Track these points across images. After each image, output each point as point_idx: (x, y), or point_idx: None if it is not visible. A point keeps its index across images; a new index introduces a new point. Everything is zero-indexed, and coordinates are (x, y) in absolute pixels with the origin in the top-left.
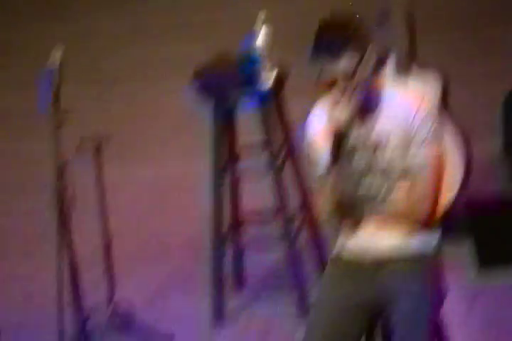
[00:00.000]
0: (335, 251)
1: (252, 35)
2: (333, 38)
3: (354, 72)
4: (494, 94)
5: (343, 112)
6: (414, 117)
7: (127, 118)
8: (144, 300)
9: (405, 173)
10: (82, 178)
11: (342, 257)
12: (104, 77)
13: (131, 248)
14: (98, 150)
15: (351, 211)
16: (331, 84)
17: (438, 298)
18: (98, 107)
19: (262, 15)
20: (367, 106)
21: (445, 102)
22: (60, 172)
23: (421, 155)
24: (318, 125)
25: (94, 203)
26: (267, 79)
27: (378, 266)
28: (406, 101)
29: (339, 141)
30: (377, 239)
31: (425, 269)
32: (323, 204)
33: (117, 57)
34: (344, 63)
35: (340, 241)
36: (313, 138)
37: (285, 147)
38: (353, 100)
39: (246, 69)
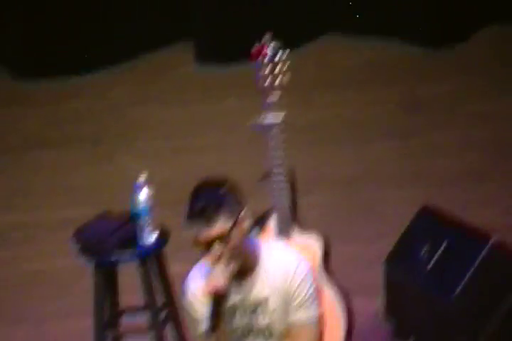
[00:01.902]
0: None
1: (135, 194)
2: (206, 202)
3: (228, 236)
4: (378, 252)
5: (219, 276)
6: (293, 278)
7: (7, 280)
8: None
9: (286, 334)
10: None
11: None
12: None
13: None
14: None
15: None
16: (208, 246)
17: None
18: None
19: (143, 177)
20: (244, 269)
21: (326, 261)
22: None
23: (301, 318)
24: (197, 284)
25: None
26: (149, 237)
27: None
28: (285, 262)
29: (218, 302)
30: None
31: None
32: None
33: None
34: (218, 227)
35: None
36: (193, 297)
37: (167, 305)
38: (229, 264)
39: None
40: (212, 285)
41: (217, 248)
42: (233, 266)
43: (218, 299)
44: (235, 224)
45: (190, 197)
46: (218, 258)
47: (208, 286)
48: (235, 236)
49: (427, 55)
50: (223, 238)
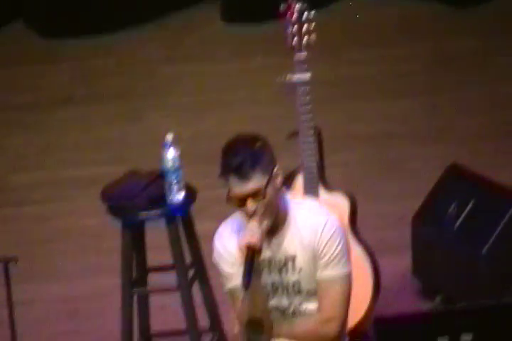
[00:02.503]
0: None
1: (163, 152)
2: (242, 158)
3: (263, 193)
4: (406, 210)
5: (254, 231)
6: (321, 235)
7: (36, 237)
8: None
9: (313, 293)
10: None
11: None
12: (13, 198)
13: None
14: (6, 268)
15: (262, 325)
16: (242, 203)
17: None
18: (6, 227)
19: (170, 136)
20: (275, 226)
21: (354, 219)
22: None
23: (329, 275)
24: (227, 240)
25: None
26: (177, 196)
27: None
28: (314, 219)
29: (253, 257)
30: None
31: None
32: (237, 317)
33: (27, 177)
34: (253, 184)
35: None
36: (222, 253)
37: (195, 264)
38: (263, 220)
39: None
40: (247, 240)
41: (251, 204)
42: (267, 223)
43: (253, 254)
44: (269, 180)
45: (224, 152)
46: (253, 215)
47: (242, 242)
48: (269, 193)
49: (452, 13)
50: (258, 194)
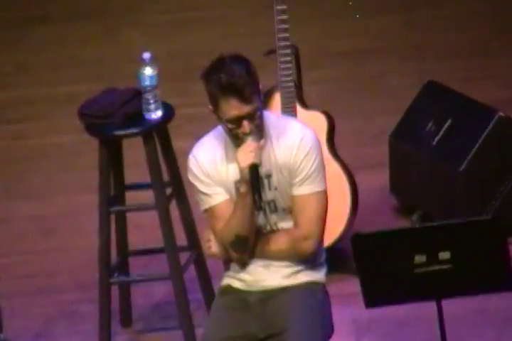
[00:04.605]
0: (224, 283)
1: (140, 69)
2: (243, 80)
3: (260, 114)
4: (383, 127)
5: (253, 148)
6: (297, 151)
7: (13, 155)
8: (30, 337)
9: (289, 212)
10: None
11: (231, 289)
12: None
13: (17, 285)
14: None
15: (248, 244)
16: (237, 123)
17: (328, 327)
18: None
19: (147, 54)
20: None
21: (331, 136)
22: None
23: (305, 191)
24: (204, 160)
25: None
26: (154, 113)
27: (268, 297)
28: (290, 135)
29: (256, 172)
30: (266, 271)
31: (315, 298)
32: (219, 235)
33: (2, 95)
34: (252, 106)
35: (230, 273)
36: (199, 174)
37: (173, 181)
38: (258, 138)
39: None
40: (249, 160)
41: (247, 124)
42: (262, 141)
43: (257, 173)
44: (263, 102)
45: (218, 72)
46: (248, 134)
47: (246, 162)
48: (262, 114)
49: None
50: (254, 115)
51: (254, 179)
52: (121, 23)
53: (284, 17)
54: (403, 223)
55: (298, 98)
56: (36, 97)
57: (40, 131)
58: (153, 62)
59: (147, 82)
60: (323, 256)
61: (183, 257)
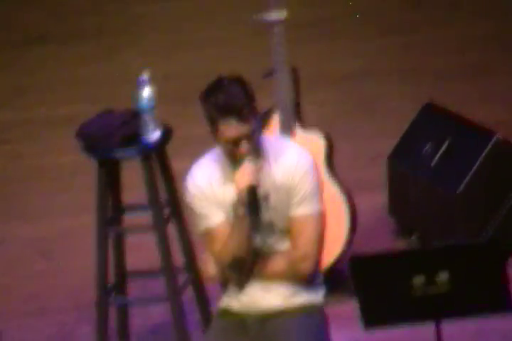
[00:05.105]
0: (222, 305)
1: (138, 90)
2: (240, 100)
3: (257, 134)
4: (381, 149)
5: (252, 169)
6: (295, 172)
7: (10, 176)
8: None
9: (286, 233)
10: None
11: (229, 311)
12: None
13: (15, 306)
14: None
15: (245, 265)
16: (235, 144)
17: None
18: None
19: (145, 74)
20: None
21: (329, 158)
22: None
23: (302, 213)
24: (201, 181)
25: None
26: (153, 134)
27: (265, 320)
28: (287, 157)
29: (254, 193)
30: (264, 293)
31: (312, 321)
32: (216, 257)
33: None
34: (249, 126)
35: (228, 295)
36: (196, 194)
37: (170, 202)
38: (256, 159)
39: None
40: (248, 181)
41: (245, 145)
42: (261, 161)
43: (254, 190)
44: (260, 122)
45: (216, 92)
46: (246, 155)
47: (243, 183)
48: (258, 133)
49: None
50: (251, 135)
51: (252, 201)
52: (118, 44)
53: (283, 37)
54: (401, 245)
55: (297, 119)
56: (34, 118)
57: (38, 151)
58: (150, 82)
59: (145, 104)
60: (321, 278)
61: (181, 278)
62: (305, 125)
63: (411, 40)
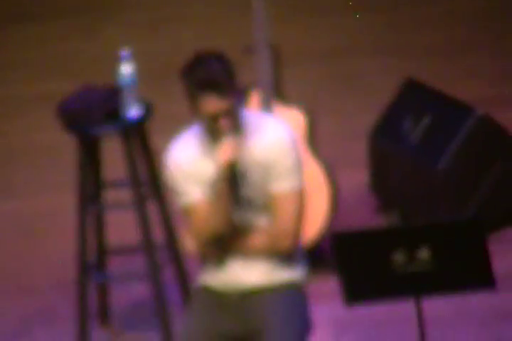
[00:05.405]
0: (201, 282)
1: (119, 67)
2: (219, 75)
3: (237, 109)
4: (363, 125)
5: (232, 146)
6: (275, 146)
7: None
8: (7, 336)
9: (265, 209)
10: None
11: (208, 288)
12: None
13: None
14: None
15: (225, 241)
16: (214, 119)
17: (306, 326)
18: None
19: (126, 51)
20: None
21: (311, 134)
22: None
23: (282, 188)
24: (180, 157)
25: None
26: (133, 110)
27: (245, 296)
28: (268, 132)
29: (235, 170)
30: (244, 269)
31: (293, 297)
32: (196, 232)
33: None
34: (229, 101)
35: (208, 271)
36: (175, 170)
37: (150, 179)
38: (236, 134)
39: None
40: (227, 157)
41: (225, 120)
42: (241, 137)
43: (233, 166)
44: (239, 97)
45: (195, 67)
46: (226, 130)
47: (223, 158)
48: (238, 109)
49: None
50: (231, 110)
51: (231, 177)
52: (99, 21)
53: (263, 14)
54: (383, 222)
55: (277, 95)
56: (14, 96)
57: (19, 129)
58: (131, 59)
59: (126, 80)
60: (302, 254)
61: (161, 255)
62: (286, 101)
63: (395, 17)
